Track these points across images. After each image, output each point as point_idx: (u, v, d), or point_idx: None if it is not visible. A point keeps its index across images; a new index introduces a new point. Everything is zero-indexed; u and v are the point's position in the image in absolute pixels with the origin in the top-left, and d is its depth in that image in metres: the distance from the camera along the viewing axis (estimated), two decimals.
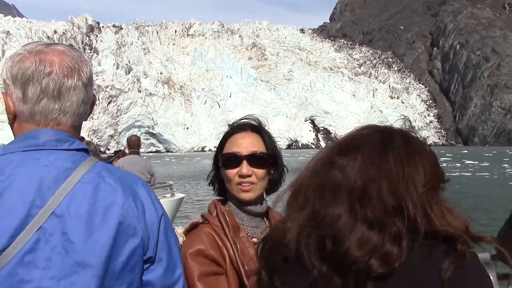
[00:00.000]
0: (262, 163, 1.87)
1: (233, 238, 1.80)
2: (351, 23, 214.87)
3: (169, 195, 11.27)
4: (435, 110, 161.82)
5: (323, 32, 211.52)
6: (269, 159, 1.90)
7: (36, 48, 1.38)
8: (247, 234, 1.88)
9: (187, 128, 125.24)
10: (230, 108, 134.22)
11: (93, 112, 1.48)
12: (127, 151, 10.53)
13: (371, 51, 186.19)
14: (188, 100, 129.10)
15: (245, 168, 1.84)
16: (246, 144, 1.88)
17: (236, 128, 1.95)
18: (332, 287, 1.07)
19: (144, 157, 9.94)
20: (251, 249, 1.81)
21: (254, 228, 1.91)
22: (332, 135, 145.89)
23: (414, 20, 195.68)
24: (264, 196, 1.97)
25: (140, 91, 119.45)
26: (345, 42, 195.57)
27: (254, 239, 1.87)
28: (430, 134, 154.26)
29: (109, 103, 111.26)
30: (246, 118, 1.99)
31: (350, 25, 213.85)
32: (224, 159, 1.89)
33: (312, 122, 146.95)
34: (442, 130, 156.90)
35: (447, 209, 1.10)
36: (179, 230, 1.86)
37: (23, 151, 1.32)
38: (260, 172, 1.86)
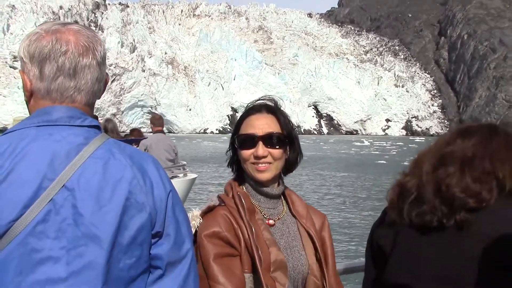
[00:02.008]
0: (278, 143, 1.88)
1: (249, 221, 1.81)
2: (359, 8, 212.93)
3: (182, 175, 11.41)
4: (440, 100, 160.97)
5: (330, 17, 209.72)
6: (285, 139, 1.91)
7: (52, 28, 1.41)
8: (263, 216, 1.90)
9: (190, 110, 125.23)
10: (234, 91, 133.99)
11: (104, 90, 1.55)
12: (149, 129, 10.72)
13: (378, 38, 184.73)
14: (191, 81, 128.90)
15: (260, 149, 1.85)
16: (261, 125, 1.89)
17: (251, 110, 1.95)
18: (443, 213, 1.56)
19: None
20: (266, 232, 1.83)
21: (271, 210, 1.93)
22: (335, 121, 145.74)
23: (423, 8, 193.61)
24: (282, 176, 1.98)
25: (144, 71, 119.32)
26: (352, 28, 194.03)
27: (271, 221, 1.90)
28: (433, 124, 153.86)
29: (112, 81, 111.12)
30: (261, 99, 1.99)
31: (358, 11, 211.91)
32: (240, 140, 1.91)
33: (316, 108, 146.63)
34: (446, 121, 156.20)
35: None
36: (196, 212, 1.88)
37: (37, 126, 1.36)
38: (276, 152, 1.87)
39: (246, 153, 1.88)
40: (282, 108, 2.00)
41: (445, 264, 1.56)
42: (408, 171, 1.76)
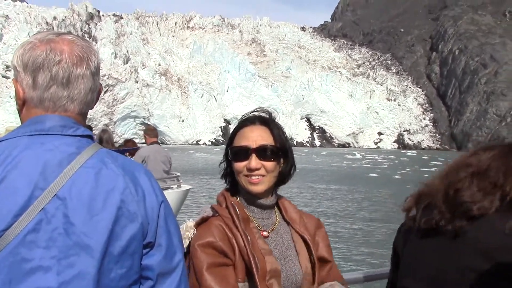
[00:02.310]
0: (271, 156, 1.88)
1: (244, 230, 1.81)
2: (352, 23, 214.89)
3: (176, 186, 11.41)
4: (431, 114, 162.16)
5: (323, 31, 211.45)
6: (278, 151, 1.90)
7: (47, 37, 1.41)
8: (257, 227, 1.90)
9: (183, 121, 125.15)
10: (227, 102, 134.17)
11: (97, 100, 1.55)
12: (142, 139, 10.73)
13: (370, 52, 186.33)
14: (185, 92, 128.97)
15: (253, 161, 1.85)
16: (255, 137, 1.88)
17: (245, 121, 1.95)
18: (444, 218, 1.62)
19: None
20: (261, 241, 1.83)
21: (264, 220, 1.93)
22: (327, 134, 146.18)
23: (415, 23, 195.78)
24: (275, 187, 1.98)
25: (137, 82, 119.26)
26: (345, 42, 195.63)
27: (265, 233, 1.90)
28: (425, 138, 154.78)
29: (105, 92, 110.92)
30: (256, 111, 1.99)
31: (351, 25, 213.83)
32: (233, 152, 1.91)
33: (308, 120, 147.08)
34: (437, 134, 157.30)
35: None
36: (190, 223, 1.87)
37: (29, 135, 1.36)
38: (269, 164, 1.87)
39: (239, 165, 1.87)
40: (276, 120, 1.99)
41: (440, 269, 1.61)
42: (428, 181, 1.84)
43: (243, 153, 1.87)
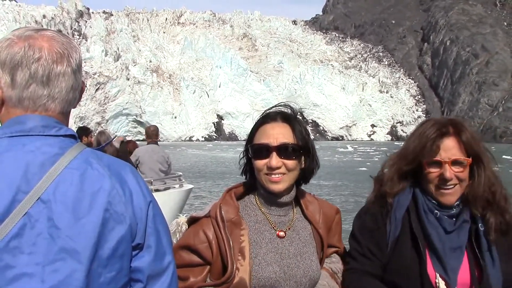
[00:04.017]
0: (292, 154, 1.84)
1: (227, 235, 1.81)
2: (343, 15, 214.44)
3: (178, 185, 11.32)
4: (424, 106, 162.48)
5: (315, 24, 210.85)
6: (299, 149, 1.86)
7: (25, 33, 1.36)
8: (273, 227, 1.89)
9: (175, 117, 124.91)
10: (219, 98, 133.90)
11: (80, 99, 1.49)
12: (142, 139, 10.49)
13: (362, 44, 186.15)
14: (177, 89, 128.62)
15: (274, 159, 1.82)
16: (276, 134, 1.84)
17: (266, 118, 1.91)
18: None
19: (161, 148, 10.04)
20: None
21: (281, 217, 1.91)
22: (321, 128, 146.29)
23: (406, 15, 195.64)
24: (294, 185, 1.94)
25: (129, 79, 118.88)
26: (336, 35, 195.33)
27: (281, 233, 1.89)
28: None
29: (96, 90, 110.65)
30: (278, 106, 1.95)
31: (342, 18, 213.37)
32: (253, 149, 1.87)
33: (301, 114, 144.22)
34: None
35: None
36: (183, 218, 1.91)
37: (9, 137, 1.31)
38: (290, 163, 1.84)
39: (260, 163, 1.84)
40: (299, 115, 1.95)
41: None
42: None
43: (264, 151, 1.83)
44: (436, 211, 2.03)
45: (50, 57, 1.34)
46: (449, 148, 2.01)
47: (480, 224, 2.03)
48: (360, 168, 44.25)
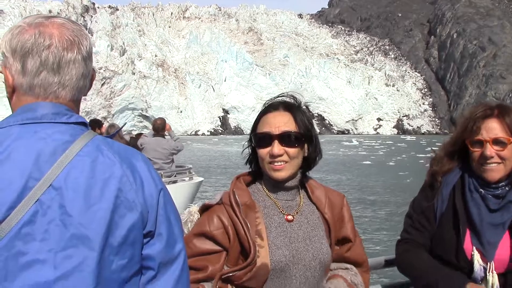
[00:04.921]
0: (294, 142, 1.88)
1: (244, 218, 1.83)
2: (349, 9, 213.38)
3: (188, 178, 11.33)
4: (430, 99, 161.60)
5: (321, 17, 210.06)
6: (302, 137, 1.90)
7: (35, 21, 1.36)
8: (281, 211, 1.93)
9: (181, 112, 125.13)
10: (225, 92, 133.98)
11: (91, 87, 1.51)
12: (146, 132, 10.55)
13: (368, 38, 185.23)
14: (182, 83, 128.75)
15: (276, 147, 1.86)
16: (277, 123, 1.89)
17: (268, 107, 1.96)
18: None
19: (168, 138, 10.06)
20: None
21: (289, 201, 1.96)
22: (326, 121, 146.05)
23: (412, 8, 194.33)
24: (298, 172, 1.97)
25: (134, 74, 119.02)
26: (342, 29, 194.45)
27: (289, 217, 1.92)
28: (424, 122, 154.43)
29: (102, 84, 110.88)
30: (281, 96, 2.00)
31: (348, 11, 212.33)
32: (256, 138, 1.92)
33: (307, 108, 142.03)
34: (436, 119, 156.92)
35: None
36: (195, 208, 1.94)
37: (21, 124, 1.31)
38: (292, 151, 1.88)
39: (263, 151, 1.89)
40: (302, 105, 1.99)
41: None
42: None
43: (266, 139, 1.88)
44: (481, 189, 2.15)
45: (60, 44, 1.34)
46: (491, 128, 2.11)
47: None
48: (364, 162, 44.24)
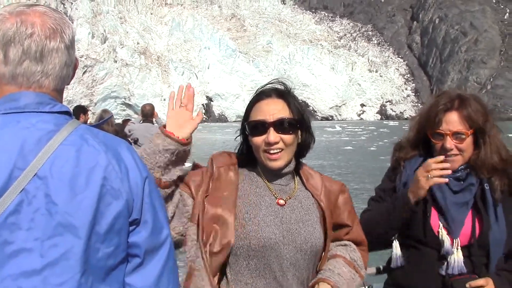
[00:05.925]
0: (289, 129, 1.86)
1: (209, 183, 1.91)
2: None
3: None
4: (413, 84, 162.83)
5: (304, 3, 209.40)
6: (296, 124, 1.88)
7: (17, 9, 1.34)
8: (274, 195, 1.91)
9: (164, 100, 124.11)
10: (208, 79, 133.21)
11: (74, 75, 1.50)
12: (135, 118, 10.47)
13: (351, 24, 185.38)
14: (165, 71, 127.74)
15: (272, 135, 1.83)
16: (272, 110, 1.86)
17: (261, 94, 1.93)
18: None
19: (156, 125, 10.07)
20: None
21: (283, 186, 1.94)
22: (310, 108, 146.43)
23: None
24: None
25: (116, 61, 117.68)
26: (325, 14, 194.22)
27: (281, 201, 1.90)
28: (407, 108, 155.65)
29: (84, 73, 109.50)
30: (271, 83, 1.97)
31: None
32: (250, 126, 1.89)
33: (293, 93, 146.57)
34: (419, 104, 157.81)
35: None
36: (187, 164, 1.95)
37: (3, 114, 1.30)
38: (288, 137, 1.86)
39: (258, 140, 1.86)
40: (292, 91, 1.96)
41: None
42: None
43: (261, 127, 1.85)
44: None
45: (43, 33, 1.32)
46: (451, 121, 2.26)
47: (485, 184, 2.29)
48: (346, 147, 44.56)
